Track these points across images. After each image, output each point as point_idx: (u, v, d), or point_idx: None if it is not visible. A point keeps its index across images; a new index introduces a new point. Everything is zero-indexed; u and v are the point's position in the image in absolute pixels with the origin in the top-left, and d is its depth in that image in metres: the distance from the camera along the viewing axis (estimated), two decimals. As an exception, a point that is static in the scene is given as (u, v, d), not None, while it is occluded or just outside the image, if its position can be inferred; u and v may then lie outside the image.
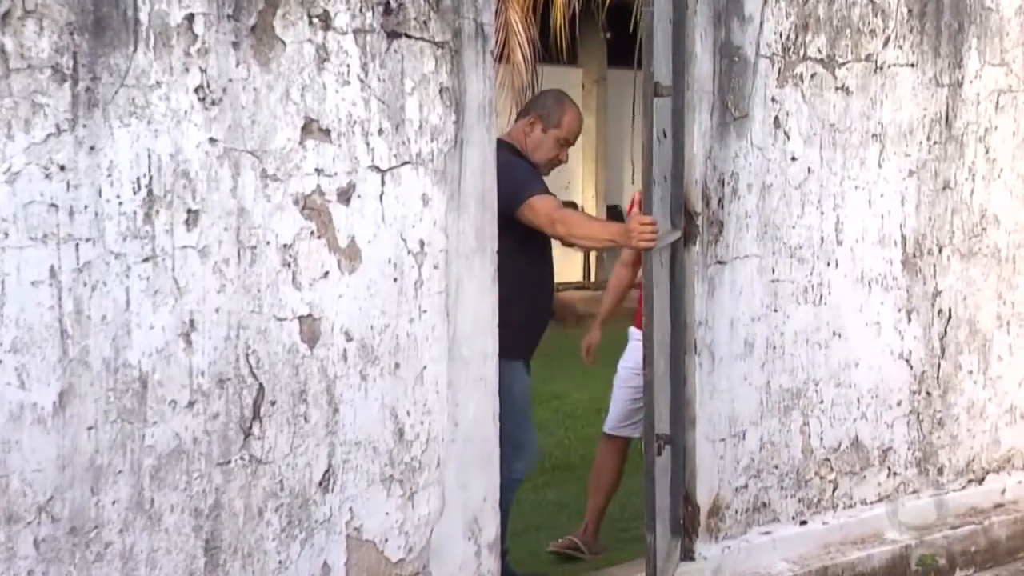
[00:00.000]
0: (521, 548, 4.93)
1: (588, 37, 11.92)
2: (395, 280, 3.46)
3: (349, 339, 3.36)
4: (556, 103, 4.20)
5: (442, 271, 3.57)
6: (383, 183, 3.43)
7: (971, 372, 5.03)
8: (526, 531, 5.21)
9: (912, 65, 4.80)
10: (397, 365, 3.47)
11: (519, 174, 4.02)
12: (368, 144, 3.38)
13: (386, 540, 3.42)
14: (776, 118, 4.39)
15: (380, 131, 3.41)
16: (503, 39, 8.17)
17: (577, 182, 13.13)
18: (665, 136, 4.02)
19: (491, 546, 3.69)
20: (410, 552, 3.48)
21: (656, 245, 3.76)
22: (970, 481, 5.01)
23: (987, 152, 5.05)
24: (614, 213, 12.82)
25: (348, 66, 3.31)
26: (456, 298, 3.62)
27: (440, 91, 3.54)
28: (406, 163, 3.47)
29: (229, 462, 3.10)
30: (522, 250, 3.97)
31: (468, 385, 3.65)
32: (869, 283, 4.72)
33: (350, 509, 3.34)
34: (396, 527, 3.45)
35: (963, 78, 4.96)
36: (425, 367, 3.53)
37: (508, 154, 3.98)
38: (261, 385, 3.17)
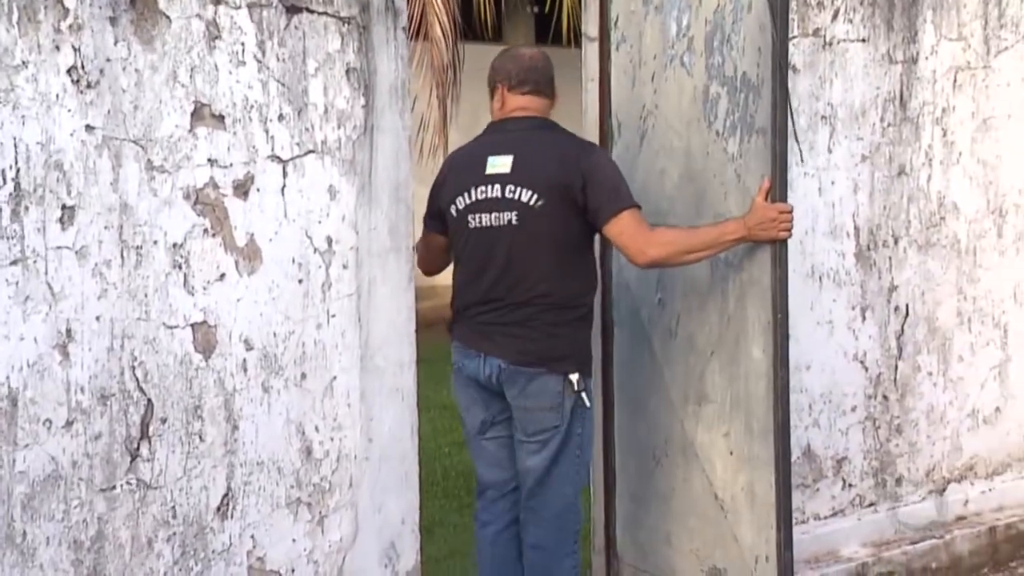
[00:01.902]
0: (445, 574, 4.93)
1: (513, 12, 11.95)
2: (300, 282, 3.45)
3: (249, 348, 3.33)
4: (551, 63, 3.80)
5: (352, 271, 3.57)
6: (285, 175, 3.41)
7: (930, 374, 5.12)
8: (451, 556, 5.21)
9: (863, 40, 4.88)
10: (303, 376, 3.45)
11: (618, 175, 3.59)
12: (267, 131, 3.36)
13: (293, 570, 3.40)
14: (717, 100, 4.43)
15: (280, 117, 3.39)
16: (419, 14, 8.16)
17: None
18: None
19: (410, 573, 3.69)
20: (320, 583, 3.47)
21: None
22: (930, 492, 5.10)
23: (945, 135, 5.15)
24: None
25: (243, 44, 3.29)
26: (369, 301, 3.61)
27: (347, 72, 3.53)
28: (310, 152, 3.45)
29: (113, 487, 3.06)
30: (590, 244, 3.68)
31: (383, 397, 3.65)
32: (820, 278, 4.79)
33: (252, 537, 3.32)
34: (304, 555, 3.43)
35: (918, 54, 5.04)
36: (335, 378, 3.52)
37: (577, 137, 3.73)
38: (150, 401, 3.13)
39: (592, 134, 4.37)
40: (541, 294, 3.52)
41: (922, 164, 5.10)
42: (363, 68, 3.57)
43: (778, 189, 3.67)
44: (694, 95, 3.94)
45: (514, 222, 3.53)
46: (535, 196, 3.51)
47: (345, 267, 3.55)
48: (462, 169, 3.70)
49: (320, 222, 3.49)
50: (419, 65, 8.24)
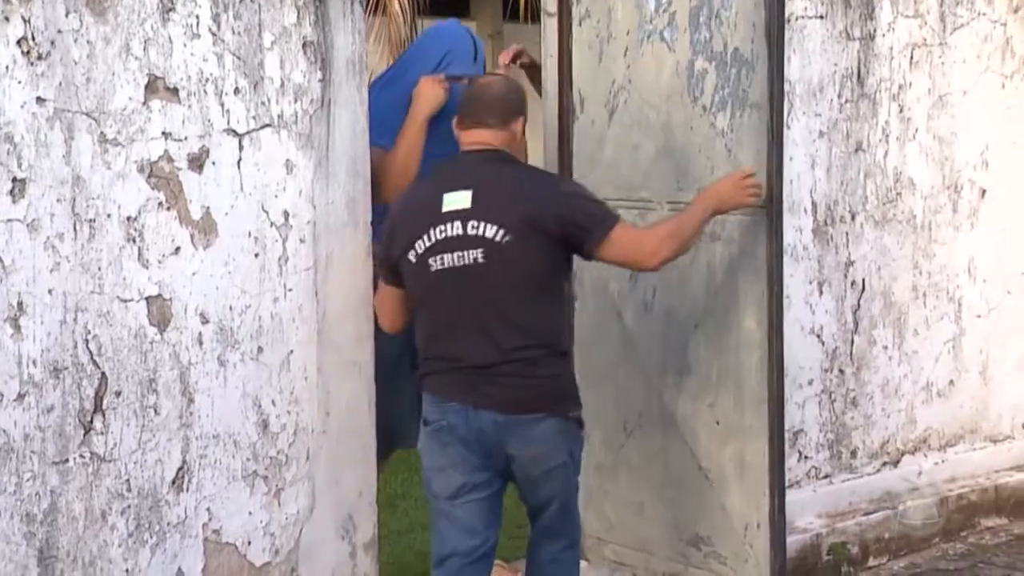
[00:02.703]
0: (404, 547, 4.93)
1: (481, -12, 11.90)
2: (256, 256, 3.42)
3: (205, 321, 3.31)
4: (519, 91, 3.50)
5: (309, 245, 3.55)
6: (241, 148, 3.38)
7: (886, 347, 5.15)
8: (412, 529, 5.21)
9: (821, 17, 4.88)
10: (260, 349, 3.43)
11: (590, 196, 3.37)
12: (223, 105, 3.33)
13: (249, 542, 3.39)
14: (676, 75, 4.42)
15: (236, 90, 3.36)
16: (378, -12, 8.11)
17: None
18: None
19: (367, 546, 3.69)
20: (276, 555, 3.46)
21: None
22: (884, 464, 5.14)
23: (901, 111, 5.16)
24: None
25: (197, 17, 3.25)
26: (326, 275, 3.60)
27: (304, 46, 3.50)
28: (266, 126, 3.43)
29: (67, 460, 3.04)
30: (565, 276, 3.46)
31: (340, 371, 3.64)
32: (778, 253, 4.80)
33: (207, 509, 3.31)
34: (260, 528, 3.42)
35: (875, 31, 5.05)
36: (292, 351, 3.51)
37: (539, 170, 3.52)
38: (103, 374, 3.10)
39: (551, 109, 4.37)
40: (522, 336, 3.20)
41: (879, 140, 5.11)
42: (320, 42, 3.54)
43: (775, 163, 3.72)
44: (676, 70, 3.95)
45: (480, 260, 3.18)
46: (501, 231, 3.17)
47: (302, 241, 3.53)
48: (416, 212, 3.30)
49: (277, 196, 3.47)
50: (376, 39, 8.19)
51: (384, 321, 3.52)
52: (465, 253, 3.19)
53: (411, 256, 3.26)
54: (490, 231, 3.17)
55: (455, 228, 3.20)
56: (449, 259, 3.20)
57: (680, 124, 3.96)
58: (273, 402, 3.46)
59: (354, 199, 3.66)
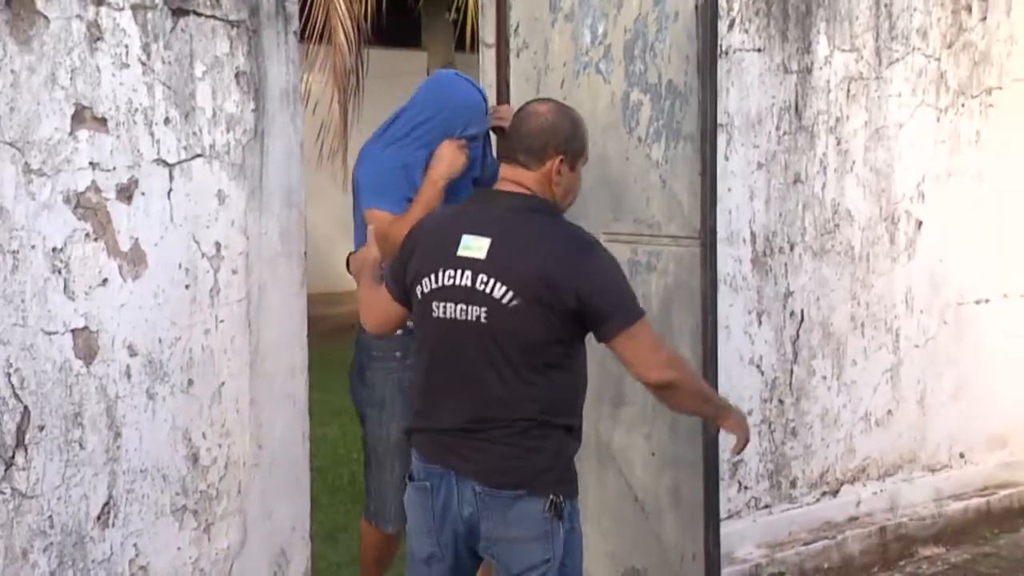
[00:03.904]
0: (345, 582, 4.87)
1: (433, 18, 11.90)
2: (187, 287, 3.37)
3: (133, 354, 3.25)
4: (574, 125, 2.99)
5: (242, 277, 3.50)
6: (171, 178, 3.33)
7: (825, 377, 5.16)
8: (354, 562, 5.13)
9: (759, 50, 4.90)
10: (190, 382, 3.38)
11: (621, 278, 2.95)
12: (153, 135, 3.28)
13: (177, 579, 3.33)
14: (614, 107, 4.42)
15: (167, 120, 3.31)
16: (323, 18, 8.09)
17: (423, 176, 13.09)
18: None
19: (300, 581, 3.63)
20: (206, 591, 3.39)
21: None
22: (824, 493, 5.14)
23: (839, 143, 5.19)
24: None
25: (127, 47, 3.21)
26: (259, 306, 3.55)
27: (236, 75, 3.47)
28: (198, 156, 3.38)
29: (-13, 497, 2.97)
30: (577, 347, 2.96)
31: (273, 403, 3.59)
32: (717, 284, 4.80)
33: (135, 545, 3.24)
34: (190, 563, 3.35)
35: (812, 64, 5.08)
36: (223, 383, 3.45)
37: (572, 228, 2.95)
38: (26, 408, 3.04)
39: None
40: (515, 404, 2.84)
41: (817, 172, 5.14)
42: (253, 72, 3.51)
43: (708, 194, 3.71)
44: (612, 101, 3.94)
45: (483, 320, 2.82)
46: (509, 293, 2.80)
47: (235, 272, 3.48)
48: (433, 242, 2.94)
49: (208, 227, 3.42)
50: (321, 69, 8.17)
51: (368, 319, 3.16)
52: (468, 308, 2.84)
53: (419, 291, 2.92)
54: (498, 291, 2.81)
55: (464, 278, 2.85)
56: (451, 310, 2.86)
57: (616, 155, 3.95)
58: (204, 435, 3.40)
59: (288, 230, 3.62)
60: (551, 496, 2.82)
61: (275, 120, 3.58)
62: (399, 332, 3.29)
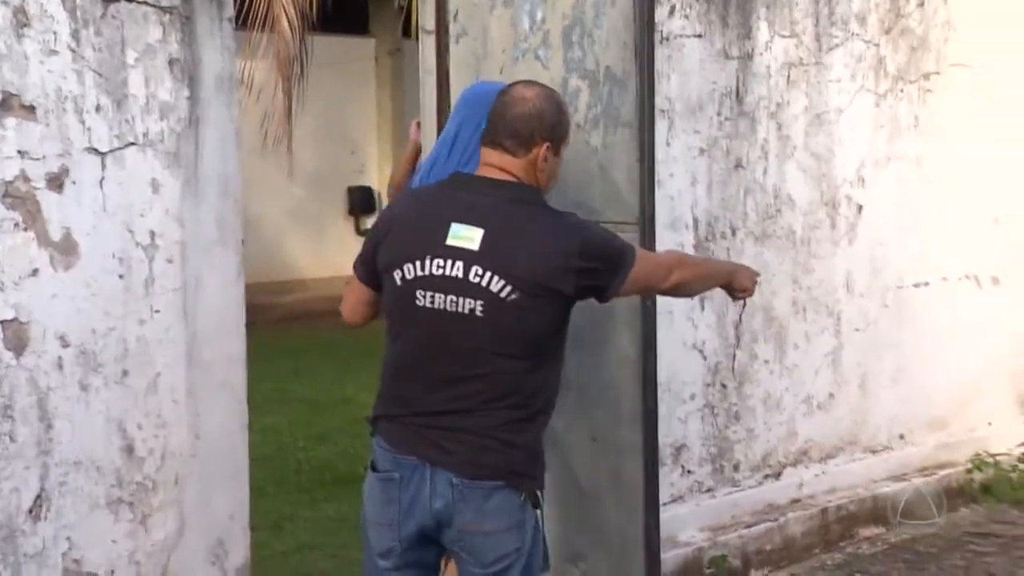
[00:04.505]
0: (289, 570, 4.84)
1: (381, 5, 11.84)
2: (121, 277, 3.33)
3: (65, 345, 3.20)
4: (560, 110, 2.97)
5: (178, 266, 3.46)
6: (104, 167, 3.29)
7: (767, 361, 5.18)
8: (300, 550, 5.12)
9: (699, 36, 4.90)
10: (125, 373, 3.33)
11: (611, 237, 2.96)
12: (84, 123, 3.24)
13: (112, 571, 3.29)
14: (554, 93, 4.41)
15: (98, 108, 3.26)
16: (266, 6, 8.01)
17: (372, 165, 13.03)
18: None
19: (240, 571, 3.59)
20: (142, 583, 3.36)
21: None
22: (766, 476, 5.16)
23: (779, 129, 5.20)
24: (362, 195, 12.66)
25: (55, 33, 3.16)
26: (196, 296, 3.51)
27: (169, 63, 3.42)
28: (131, 144, 3.34)
29: (-86, 492, 2.91)
30: (564, 333, 2.95)
31: (211, 392, 3.55)
32: (659, 269, 4.81)
33: (68, 539, 3.19)
34: (125, 556, 3.32)
35: (753, 50, 5.09)
36: (159, 374, 3.41)
37: (562, 217, 2.92)
38: (-46, 401, 2.99)
39: (430, 127, 4.32)
40: (503, 398, 2.79)
41: (758, 157, 5.15)
42: (187, 60, 3.46)
43: (646, 180, 3.68)
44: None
45: (478, 313, 2.75)
46: (507, 287, 2.74)
47: (170, 261, 3.44)
48: (416, 227, 2.85)
49: (143, 216, 3.37)
50: (264, 56, 8.10)
51: (345, 311, 3.04)
52: (461, 300, 2.76)
53: (396, 276, 2.82)
54: (495, 284, 2.74)
55: (455, 269, 2.77)
56: (441, 301, 2.77)
57: (555, 142, 3.93)
58: (139, 426, 3.36)
59: (224, 218, 3.58)
60: (528, 487, 2.81)
61: (210, 108, 3.53)
62: None
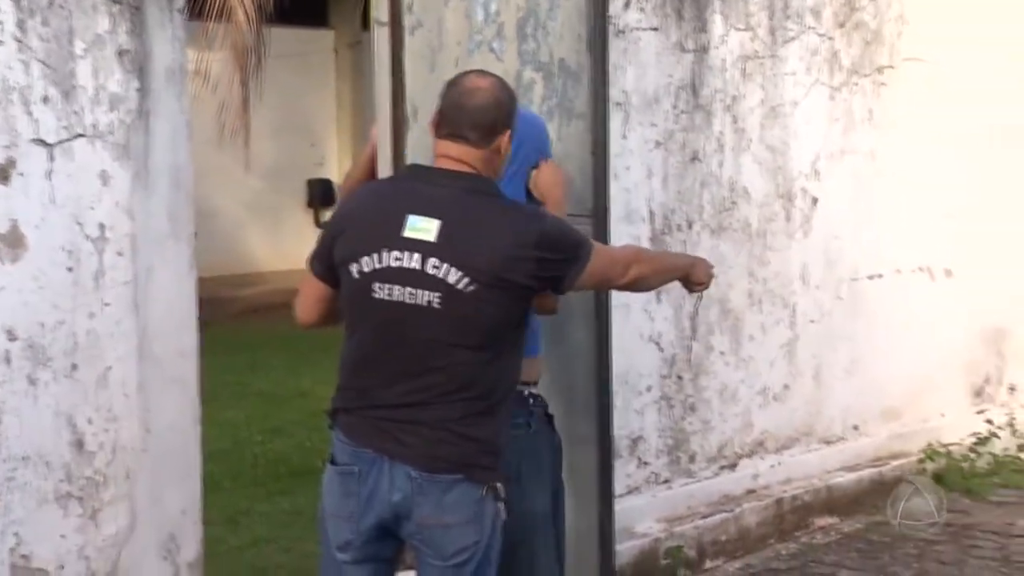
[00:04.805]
0: (245, 564, 4.81)
1: (339, -2, 11.81)
2: (70, 270, 3.29)
3: (13, 339, 3.16)
4: (512, 98, 2.98)
5: (128, 258, 3.42)
6: (52, 159, 3.24)
7: (723, 353, 5.20)
8: (255, 544, 5.10)
9: (655, 29, 4.91)
10: (74, 367, 3.29)
11: (569, 230, 2.95)
12: (31, 114, 3.19)
13: (62, 567, 3.25)
14: (510, 86, 4.40)
15: (45, 99, 3.22)
16: (222, -5, 7.97)
17: (332, 157, 12.97)
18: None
19: (192, 565, 3.56)
20: (93, 579, 3.32)
21: None
22: (722, 468, 5.18)
23: (735, 122, 5.22)
24: (322, 187, 12.60)
25: (0, 23, 3.11)
26: (147, 289, 3.47)
27: (119, 54, 3.38)
28: (80, 136, 3.30)
29: None
30: (524, 324, 2.91)
31: (163, 387, 3.52)
32: (615, 262, 4.81)
33: (15, 534, 3.15)
34: (75, 551, 3.28)
35: (709, 43, 5.10)
36: (110, 368, 3.37)
37: (519, 208, 2.94)
38: (-101, 395, 2.94)
39: (384, 120, 4.29)
40: (461, 390, 2.77)
41: (714, 150, 5.16)
42: (137, 50, 3.42)
43: (600, 172, 3.69)
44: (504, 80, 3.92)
45: (436, 305, 2.73)
46: (465, 279, 2.73)
47: (120, 254, 3.40)
48: (372, 220, 2.83)
49: (92, 208, 3.33)
50: (220, 47, 8.04)
51: (298, 309, 2.98)
52: (419, 292, 2.74)
53: (353, 270, 2.80)
54: (453, 276, 2.73)
55: (413, 260, 2.74)
56: (399, 293, 2.75)
57: (511, 135, 3.93)
58: (89, 420, 3.32)
59: (176, 210, 3.55)
60: (489, 480, 2.78)
61: (161, 99, 3.49)
62: (523, 390, 3.13)
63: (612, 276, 3.01)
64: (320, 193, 12.63)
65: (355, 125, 12.70)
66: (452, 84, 2.95)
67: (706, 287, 3.31)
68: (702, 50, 5.08)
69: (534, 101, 3.85)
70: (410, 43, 4.22)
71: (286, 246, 11.65)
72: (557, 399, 3.84)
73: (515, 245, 2.76)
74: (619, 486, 4.79)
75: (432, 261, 2.74)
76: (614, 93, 4.76)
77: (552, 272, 2.82)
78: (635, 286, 3.12)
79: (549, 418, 3.31)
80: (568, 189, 3.45)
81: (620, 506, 4.74)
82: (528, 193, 3.35)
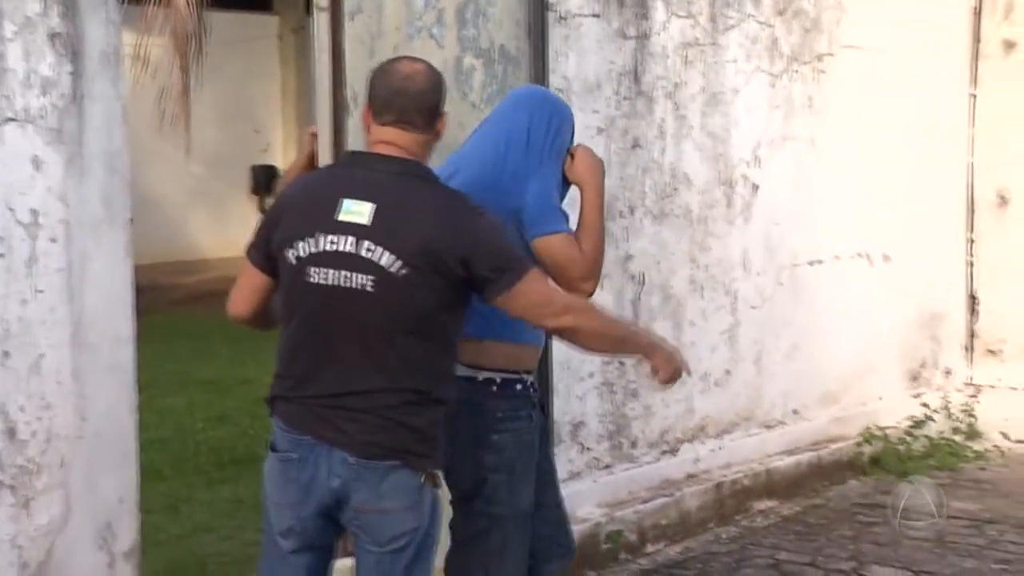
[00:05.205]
0: (185, 552, 4.77)
1: (284, -17, 11.70)
2: (1, 256, 3.23)
3: (-58, 326, 3.11)
4: (442, 80, 2.96)
5: (62, 245, 3.36)
6: (-19, 144, 3.18)
7: (665, 339, 5.21)
8: (196, 533, 5.05)
9: (596, 15, 4.90)
10: (6, 354, 3.24)
11: (506, 237, 2.91)
12: (-41, 98, 3.13)
13: (-6, 557, 3.20)
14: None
15: (-26, 83, 3.16)
16: (160, -22, 7.87)
17: (276, 143, 12.88)
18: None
19: (128, 554, 3.52)
20: (25, 568, 3.27)
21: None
22: (664, 452, 5.21)
23: (676, 109, 5.23)
24: (266, 174, 12.53)
25: (-74, 5, 3.05)
26: (81, 275, 3.42)
27: (51, 37, 3.32)
28: (10, 120, 3.24)
29: None
30: (462, 315, 2.87)
31: (99, 374, 3.46)
32: (556, 248, 4.80)
33: (-54, 524, 3.10)
34: (7, 540, 3.23)
35: (650, 30, 5.10)
36: (43, 355, 3.32)
37: (454, 194, 2.89)
38: None
39: (324, 106, 4.26)
40: (396, 374, 2.75)
41: (656, 137, 5.17)
42: (70, 34, 3.36)
43: None
44: (445, 66, 3.89)
45: (369, 288, 2.71)
46: (398, 262, 2.71)
47: (53, 241, 3.34)
48: (308, 206, 2.82)
49: (24, 194, 3.27)
50: (161, 32, 7.95)
51: (232, 301, 2.97)
52: (353, 276, 2.73)
53: (290, 255, 2.79)
54: (385, 259, 2.72)
55: (347, 244, 2.74)
56: (333, 276, 2.74)
57: (451, 120, 3.89)
58: (22, 408, 3.26)
59: (111, 196, 3.49)
60: (427, 467, 2.78)
61: (95, 83, 3.43)
62: (518, 383, 3.17)
63: (543, 313, 2.83)
64: (264, 179, 12.54)
65: (300, 111, 12.61)
66: (385, 72, 2.93)
67: (666, 384, 3.03)
68: (644, 37, 5.09)
69: (474, 88, 3.85)
70: (350, 28, 4.20)
71: (230, 233, 11.54)
72: (497, 385, 3.84)
73: (448, 230, 2.74)
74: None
75: (366, 244, 2.73)
76: (555, 80, 4.76)
77: (480, 271, 2.76)
78: (570, 336, 2.89)
79: (541, 405, 3.33)
80: (605, 176, 3.38)
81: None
82: (564, 179, 3.33)
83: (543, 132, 3.31)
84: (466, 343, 3.00)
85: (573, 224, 3.21)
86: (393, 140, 2.84)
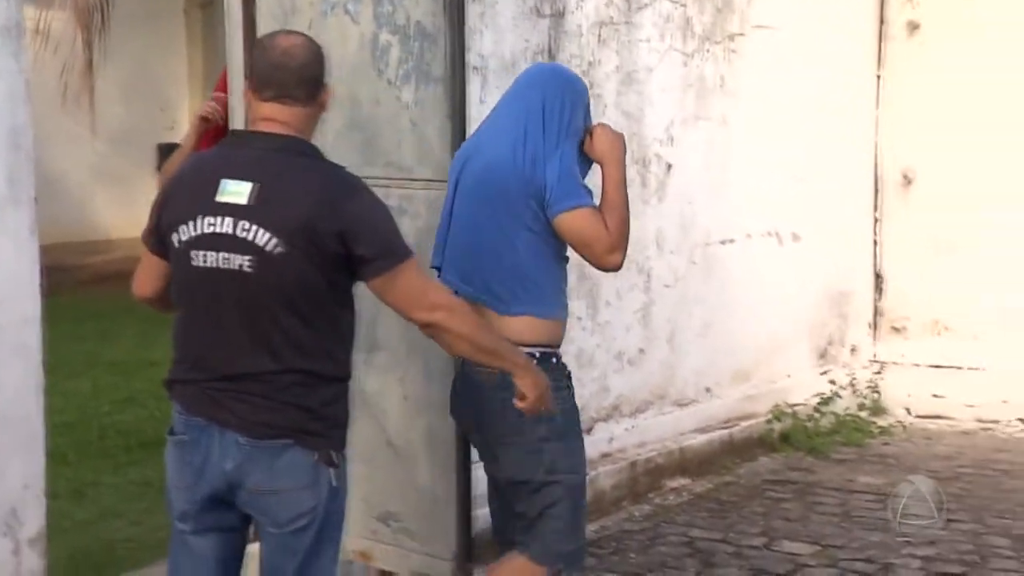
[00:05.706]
0: (92, 537, 4.66)
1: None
2: (-100, 236, 3.11)
3: None
4: (320, 51, 2.87)
5: (-36, 224, 3.25)
6: None
7: (580, 319, 5.21)
8: (103, 518, 4.94)
9: (511, -7, 4.87)
10: (-93, 337, 3.13)
11: (389, 219, 2.82)
12: None
13: None
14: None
15: None
16: (63, -46, 7.65)
17: (183, 121, 12.60)
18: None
19: (33, 541, 3.42)
20: (-73, 558, 3.17)
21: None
22: (579, 431, 5.21)
23: (591, 87, 5.19)
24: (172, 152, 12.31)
25: None
26: (-16, 255, 3.31)
27: (-51, 9, 3.20)
28: (-92, 95, 3.12)
29: None
30: (349, 295, 2.83)
31: (3, 356, 3.36)
32: (472, 227, 4.77)
33: None
34: (-92, 530, 3.12)
35: (565, 8, 5.08)
36: (-55, 337, 3.21)
37: (336, 169, 2.82)
38: None
39: (238, 85, 4.17)
40: (282, 354, 2.72)
41: (570, 116, 5.15)
42: (-31, 6, 3.24)
43: (457, 136, 3.65)
44: (361, 43, 3.83)
45: (246, 269, 2.68)
46: (274, 241, 2.67)
47: (-45, 220, 3.23)
48: (191, 188, 2.79)
49: (-77, 171, 3.16)
50: (62, 7, 7.73)
51: (135, 282, 2.97)
52: (231, 257, 2.70)
53: (175, 239, 2.76)
54: (261, 238, 2.68)
55: (225, 225, 2.70)
56: (213, 259, 2.71)
57: (367, 98, 3.85)
58: (-78, 392, 3.16)
59: (15, 174, 3.38)
60: (321, 447, 2.75)
61: (-4, 57, 3.32)
62: (553, 356, 3.31)
63: (413, 305, 2.79)
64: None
65: (206, 88, 12.36)
66: (264, 47, 2.87)
67: (529, 409, 2.99)
68: (558, 15, 5.07)
69: (390, 64, 3.78)
70: (263, 4, 4.12)
71: (136, 212, 11.27)
72: (415, 366, 3.81)
73: (326, 207, 2.69)
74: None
75: (242, 224, 2.69)
76: (471, 57, 4.72)
77: (357, 250, 2.71)
78: (437, 334, 2.84)
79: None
80: (626, 151, 3.42)
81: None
82: (585, 157, 3.35)
83: (558, 110, 3.32)
84: (506, 320, 3.14)
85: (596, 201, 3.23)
86: (274, 116, 2.79)
